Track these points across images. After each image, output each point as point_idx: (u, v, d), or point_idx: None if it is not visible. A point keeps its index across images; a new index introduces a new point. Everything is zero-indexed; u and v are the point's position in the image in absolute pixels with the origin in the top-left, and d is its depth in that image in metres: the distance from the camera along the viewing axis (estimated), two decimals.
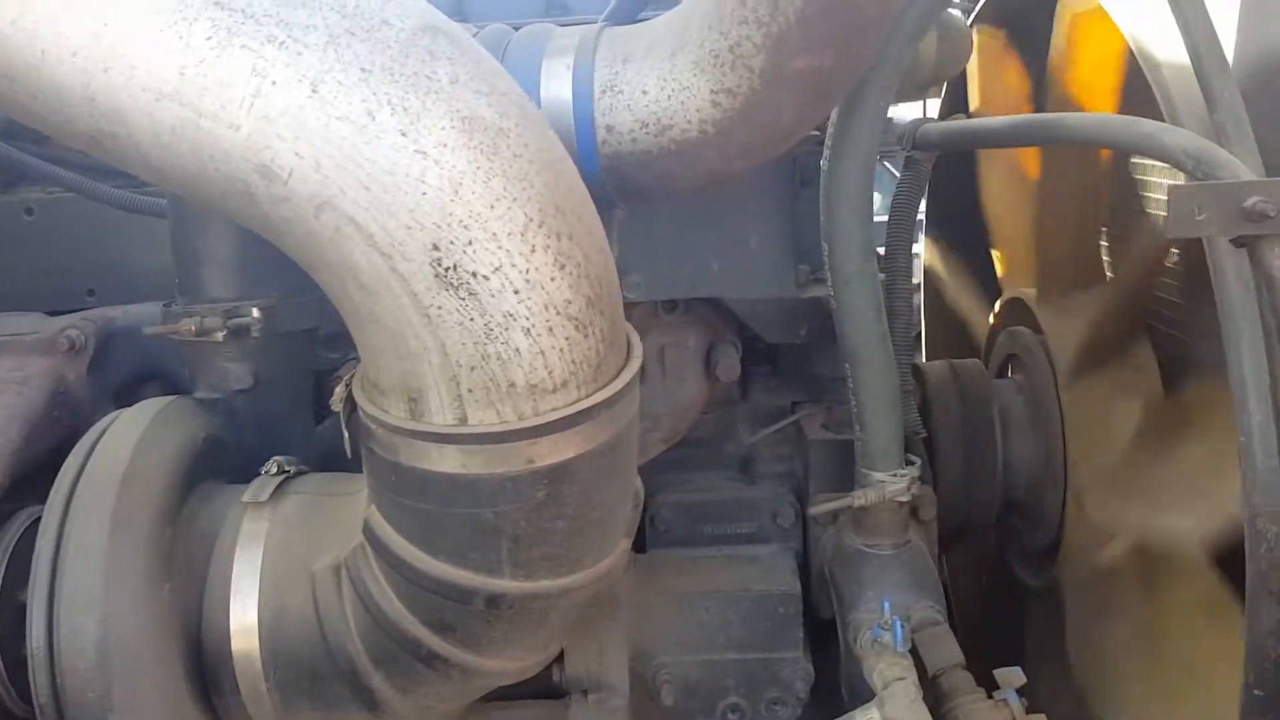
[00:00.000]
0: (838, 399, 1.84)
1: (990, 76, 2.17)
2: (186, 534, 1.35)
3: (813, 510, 1.71)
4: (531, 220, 1.08)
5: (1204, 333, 1.57)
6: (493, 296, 1.08)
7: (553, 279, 1.10)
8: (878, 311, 1.56)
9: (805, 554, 1.86)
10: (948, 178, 2.33)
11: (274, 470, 1.41)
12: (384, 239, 1.05)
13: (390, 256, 1.06)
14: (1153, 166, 1.75)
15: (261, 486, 1.38)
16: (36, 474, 1.49)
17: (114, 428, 1.36)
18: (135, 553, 1.26)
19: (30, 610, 1.24)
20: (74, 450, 1.34)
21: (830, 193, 1.49)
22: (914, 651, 1.56)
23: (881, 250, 1.69)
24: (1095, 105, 1.74)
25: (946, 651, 1.55)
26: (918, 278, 2.67)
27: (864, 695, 1.69)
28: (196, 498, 1.40)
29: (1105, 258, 1.91)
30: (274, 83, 1.02)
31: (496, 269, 1.07)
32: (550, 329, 1.11)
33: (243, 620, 1.32)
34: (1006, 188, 2.18)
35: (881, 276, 1.76)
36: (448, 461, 1.15)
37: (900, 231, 1.77)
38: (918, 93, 1.74)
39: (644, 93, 1.32)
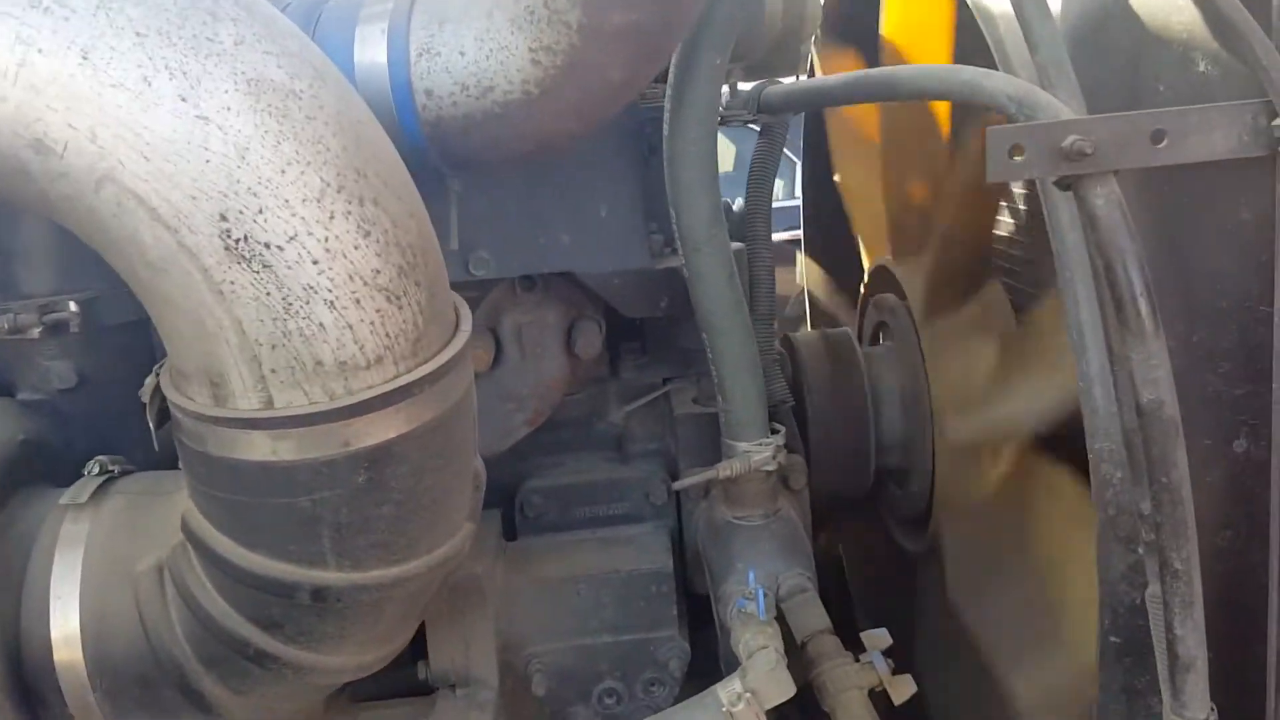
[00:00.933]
0: (706, 372, 1.81)
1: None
2: (2, 541, 1.27)
3: (677, 485, 1.68)
4: (329, 185, 1.03)
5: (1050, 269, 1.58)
6: (289, 268, 1.02)
7: (356, 247, 1.05)
8: (730, 278, 1.53)
9: (680, 531, 1.82)
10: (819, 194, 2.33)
11: (95, 470, 1.33)
12: (168, 211, 0.99)
13: (176, 230, 1.00)
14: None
15: (81, 488, 1.31)
16: None
17: None
18: None
19: None
20: None
21: (673, 156, 1.46)
22: (783, 620, 1.54)
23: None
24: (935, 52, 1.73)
25: (813, 617, 1.53)
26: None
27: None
28: (14, 503, 1.32)
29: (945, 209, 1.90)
30: (40, 50, 0.95)
31: (291, 238, 1.01)
32: (357, 301, 1.05)
33: (64, 628, 1.24)
34: (857, 164, 2.18)
35: (741, 245, 1.74)
36: (257, 449, 1.09)
37: (759, 198, 1.74)
38: (768, 67, 1.70)
39: (461, 54, 1.27)
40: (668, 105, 1.44)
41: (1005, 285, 1.77)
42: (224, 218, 1.00)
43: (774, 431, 1.63)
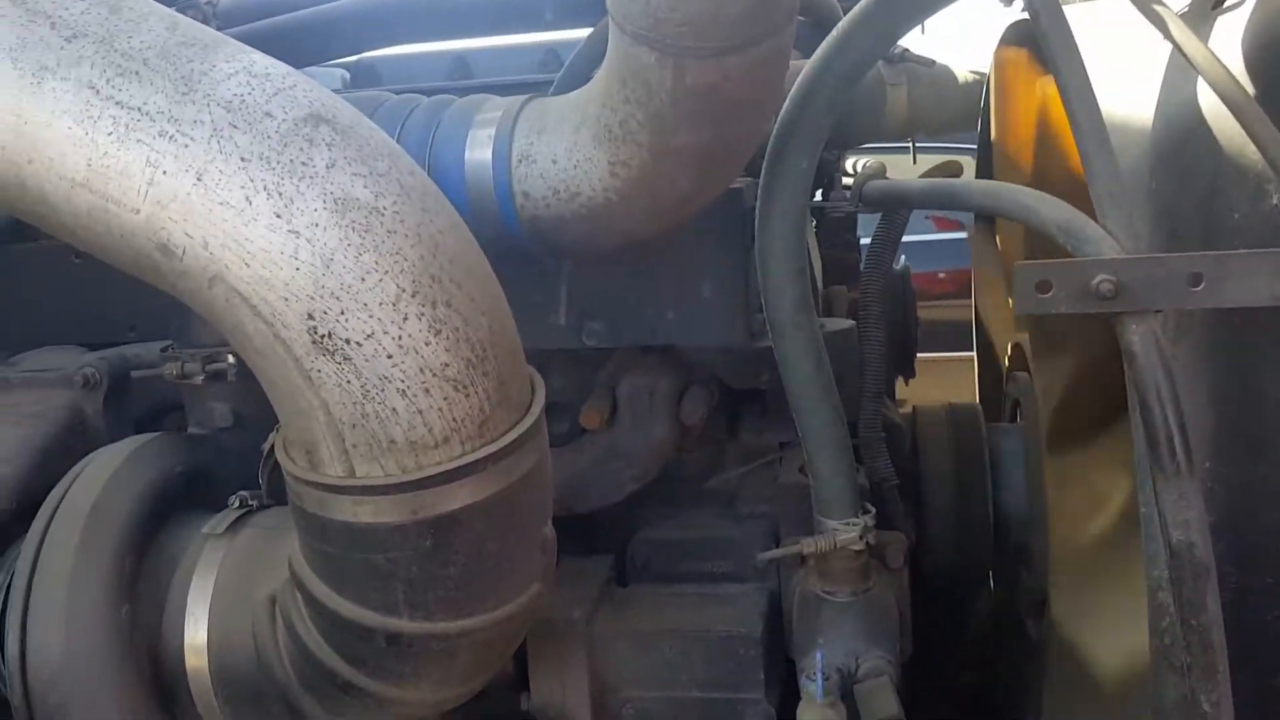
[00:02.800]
0: None
1: (1008, 100, 2.12)
2: (155, 560, 1.50)
3: (764, 556, 1.75)
4: (404, 291, 1.18)
5: None
6: (367, 361, 1.17)
7: (427, 344, 1.19)
8: (818, 362, 1.59)
9: (782, 595, 1.89)
10: None
11: (236, 504, 1.54)
12: (266, 309, 1.16)
13: (273, 325, 1.17)
14: None
15: (221, 519, 1.52)
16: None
17: (92, 465, 1.52)
18: (97, 577, 1.42)
19: (6, 626, 1.41)
20: (58, 484, 1.51)
21: (761, 251, 1.53)
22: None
23: None
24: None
25: (883, 703, 1.56)
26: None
27: None
28: (173, 526, 1.55)
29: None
30: (164, 172, 1.14)
31: (369, 336, 1.17)
32: (426, 390, 1.20)
33: (194, 640, 1.46)
34: (1006, 224, 2.15)
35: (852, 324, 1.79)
36: (342, 510, 1.25)
37: (873, 280, 1.79)
38: (896, 137, 1.75)
39: (554, 162, 1.40)
40: (758, 204, 1.52)
41: None
42: (311, 316, 1.16)
43: (865, 511, 1.67)
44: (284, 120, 1.18)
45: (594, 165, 1.36)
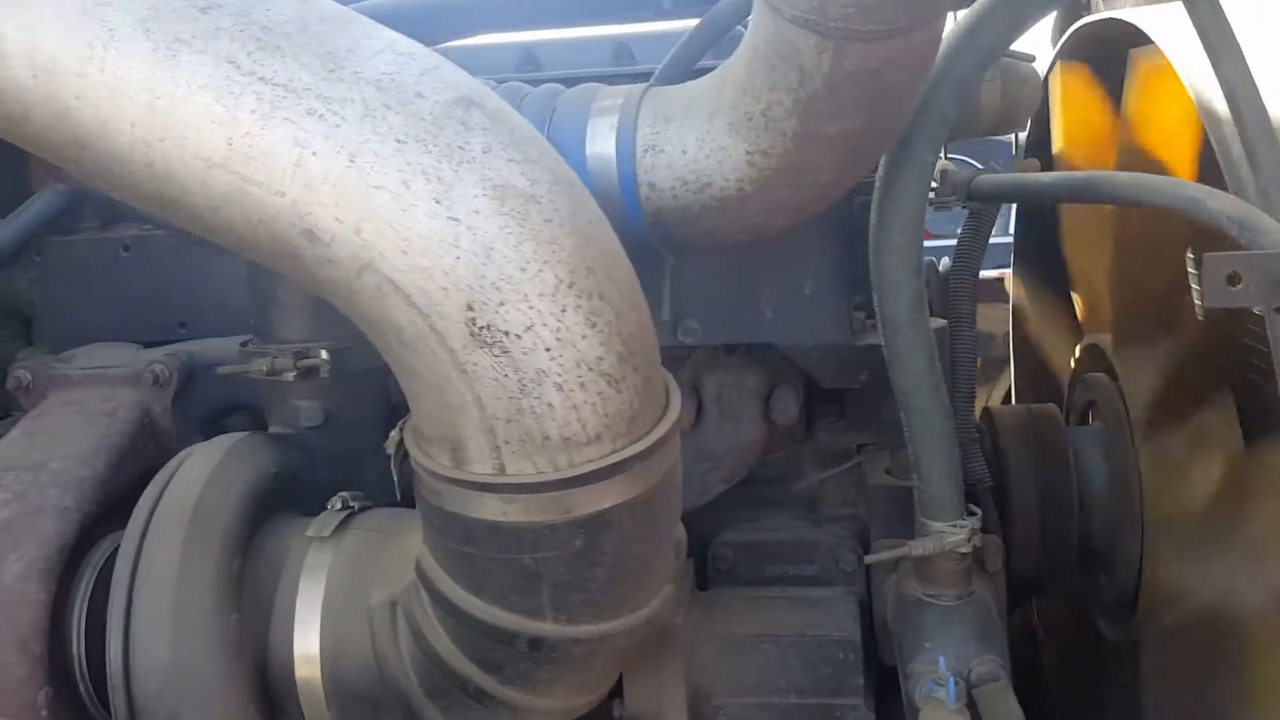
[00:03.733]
0: (901, 444, 1.83)
1: (1074, 114, 2.13)
2: (255, 564, 1.43)
3: (869, 559, 1.71)
4: (562, 281, 1.13)
5: None
6: (525, 354, 1.12)
7: (584, 337, 1.14)
8: (930, 361, 1.56)
9: (869, 599, 1.85)
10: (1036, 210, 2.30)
11: (338, 506, 1.48)
12: (422, 299, 1.11)
13: (428, 316, 1.11)
14: None
15: (325, 521, 1.45)
16: (122, 502, 1.58)
17: (188, 463, 1.45)
18: (204, 582, 1.35)
19: (108, 633, 1.34)
20: (151, 483, 1.44)
21: (878, 245, 1.50)
22: (973, 707, 1.55)
23: None
24: (1174, 164, 1.71)
25: (1005, 709, 1.53)
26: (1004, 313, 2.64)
27: None
28: (267, 529, 1.48)
29: (1185, 304, 1.86)
30: (315, 153, 1.08)
31: (528, 328, 1.12)
32: (582, 384, 1.15)
33: (305, 649, 1.39)
34: (1083, 230, 2.15)
35: (944, 323, 1.76)
36: (489, 509, 1.20)
37: (964, 279, 1.76)
38: (982, 133, 1.73)
39: (684, 152, 1.36)
40: (876, 197, 1.49)
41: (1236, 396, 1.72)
42: (470, 308, 1.10)
43: (971, 513, 1.64)
44: (436, 102, 1.13)
45: (728, 155, 1.32)
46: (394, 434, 1.35)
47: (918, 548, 1.63)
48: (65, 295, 2.03)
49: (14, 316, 2.12)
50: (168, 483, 1.43)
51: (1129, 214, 1.91)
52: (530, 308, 1.12)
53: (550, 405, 1.14)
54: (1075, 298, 2.24)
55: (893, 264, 1.50)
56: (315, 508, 1.53)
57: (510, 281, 1.11)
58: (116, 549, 1.53)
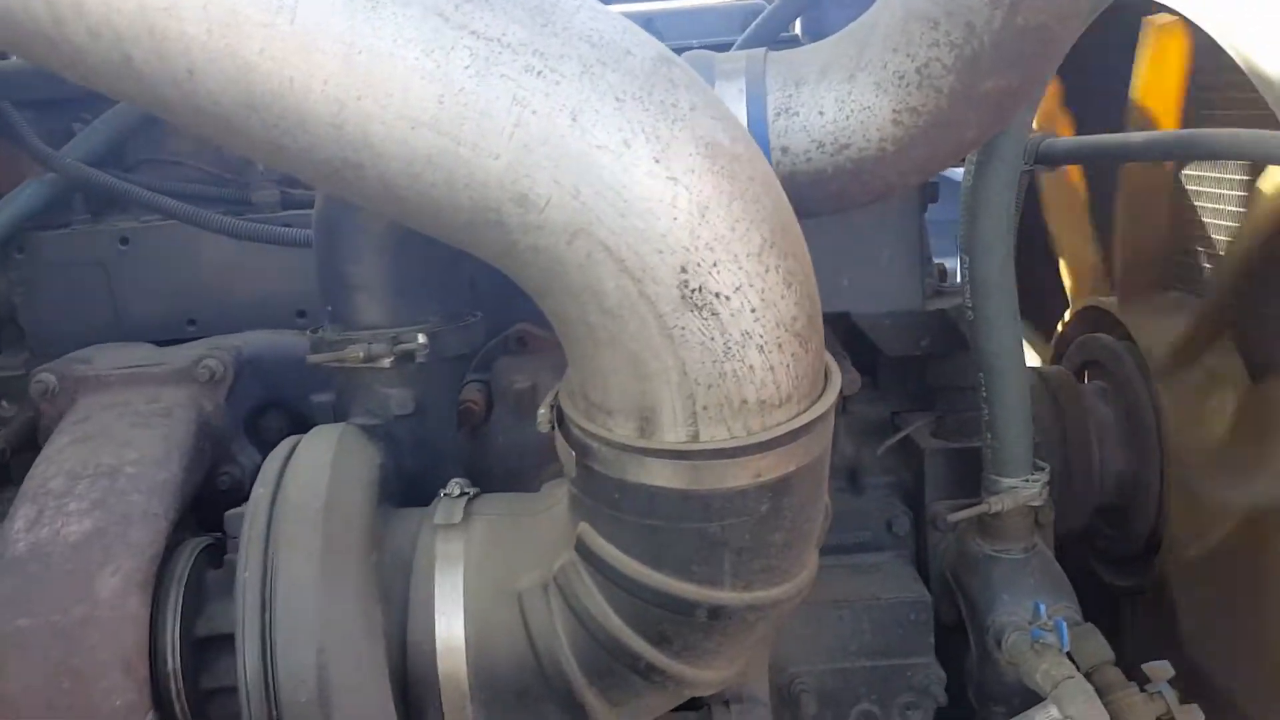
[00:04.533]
0: (950, 409, 1.89)
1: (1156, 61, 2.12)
2: (382, 559, 1.35)
3: (954, 517, 1.75)
4: (765, 241, 1.11)
5: None
6: (733, 316, 1.10)
7: (782, 297, 1.13)
8: (1015, 322, 1.61)
9: (920, 561, 1.90)
10: None
11: (456, 493, 1.41)
12: (635, 263, 1.07)
13: (640, 280, 1.08)
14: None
15: (451, 509, 1.38)
16: (192, 506, 1.48)
17: (300, 457, 1.35)
18: (348, 583, 1.26)
19: (241, 644, 1.23)
20: (259, 481, 1.34)
21: (974, 206, 1.54)
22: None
23: None
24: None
25: (1096, 648, 1.60)
26: None
27: (996, 697, 1.75)
28: (388, 520, 1.40)
29: (1189, 259, 1.99)
30: (534, 112, 1.03)
31: (737, 289, 1.10)
32: (780, 346, 1.14)
33: (449, 642, 1.31)
34: (1067, 202, 2.26)
35: None
36: (679, 477, 1.17)
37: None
38: None
39: (820, 114, 1.36)
40: (974, 157, 1.53)
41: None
42: (684, 270, 1.08)
43: (1038, 468, 1.71)
44: (644, 59, 1.09)
45: (872, 115, 1.33)
46: (543, 411, 1.30)
47: (996, 504, 1.68)
48: (54, 295, 1.86)
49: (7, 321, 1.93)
50: (279, 480, 1.33)
51: (1130, 181, 2.03)
52: (740, 268, 1.10)
53: (751, 368, 1.13)
54: (1063, 267, 2.36)
55: (988, 226, 1.55)
56: (400, 499, 1.46)
57: (722, 242, 1.09)
58: (198, 555, 1.42)
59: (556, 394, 1.30)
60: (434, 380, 1.54)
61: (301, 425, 1.76)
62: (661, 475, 1.17)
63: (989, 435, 1.69)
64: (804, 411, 1.19)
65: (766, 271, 1.11)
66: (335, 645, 1.23)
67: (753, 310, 1.11)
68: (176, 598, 1.36)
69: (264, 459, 1.61)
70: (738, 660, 1.38)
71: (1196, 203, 2.03)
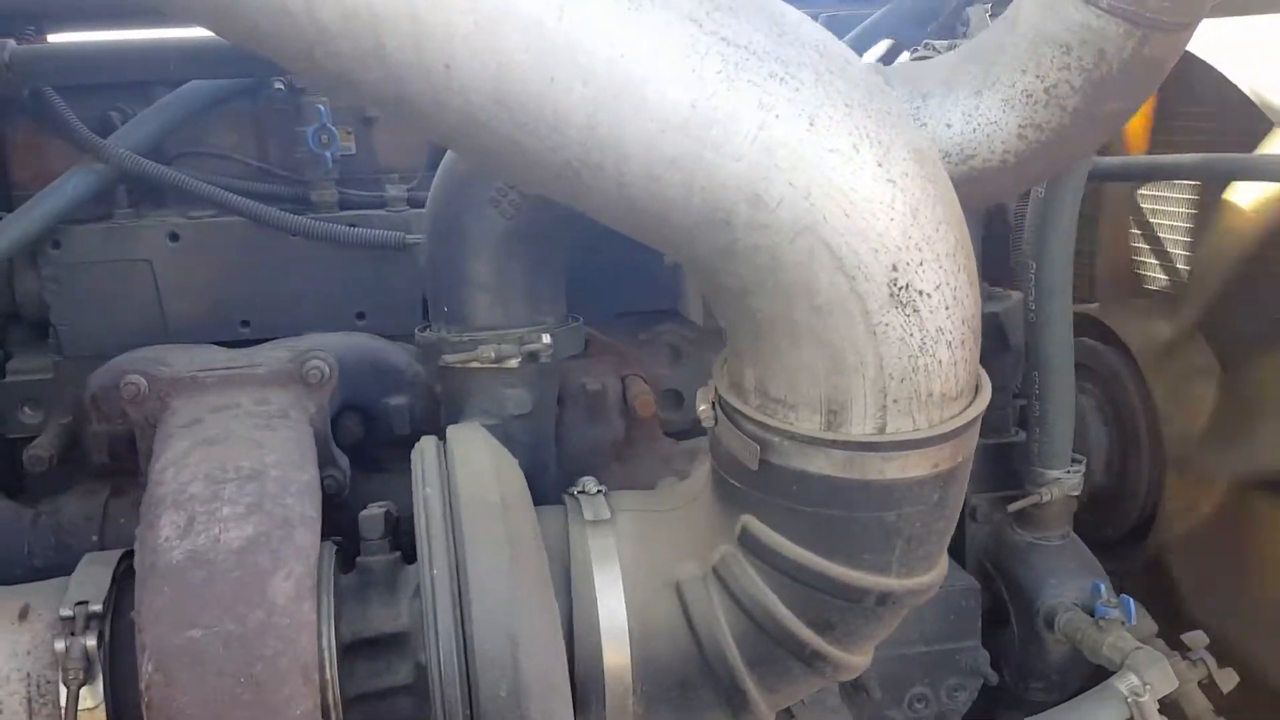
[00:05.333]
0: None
1: None
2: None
3: (1012, 508, 1.87)
4: (957, 241, 1.19)
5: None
6: (931, 312, 1.18)
7: (967, 295, 1.21)
8: (1070, 326, 1.75)
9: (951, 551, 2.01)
10: None
11: (593, 490, 1.43)
12: (852, 261, 1.13)
13: (853, 277, 1.14)
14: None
15: (597, 505, 1.41)
16: None
17: (461, 457, 1.35)
18: (534, 580, 1.27)
19: (433, 641, 1.22)
20: (420, 480, 1.33)
21: (1046, 217, 1.67)
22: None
23: None
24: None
25: (1142, 623, 1.75)
26: None
27: (1036, 674, 1.89)
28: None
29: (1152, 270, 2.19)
30: (778, 116, 1.08)
31: (937, 287, 1.17)
32: (963, 341, 1.22)
33: (613, 634, 1.34)
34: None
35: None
36: (865, 468, 1.23)
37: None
38: None
39: (948, 126, 1.45)
40: None
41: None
42: (895, 268, 1.15)
43: (1076, 460, 1.85)
44: (859, 67, 1.16)
45: (998, 129, 1.43)
46: (705, 408, 1.34)
47: (1046, 494, 1.81)
48: (93, 293, 1.77)
49: (12, 320, 1.82)
50: (443, 479, 1.32)
51: (1112, 201, 2.22)
52: (940, 267, 1.18)
53: (940, 362, 1.20)
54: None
55: (1056, 237, 1.67)
56: None
57: (929, 242, 1.16)
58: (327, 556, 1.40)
59: (715, 390, 1.34)
60: (546, 381, 1.56)
61: (375, 428, 1.75)
62: (847, 466, 1.23)
63: (1038, 430, 1.81)
64: (971, 404, 1.27)
65: (958, 270, 1.19)
66: (528, 639, 1.24)
67: (946, 308, 1.19)
68: (328, 603, 1.34)
69: (347, 463, 1.60)
70: (875, 646, 1.45)
71: (1153, 220, 2.24)
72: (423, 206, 1.86)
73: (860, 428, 1.22)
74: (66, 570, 1.63)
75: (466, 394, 1.54)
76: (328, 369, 1.55)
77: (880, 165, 1.13)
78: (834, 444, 1.23)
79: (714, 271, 1.20)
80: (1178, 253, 2.21)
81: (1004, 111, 1.43)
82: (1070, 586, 1.82)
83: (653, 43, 1.06)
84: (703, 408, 1.35)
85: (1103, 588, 1.75)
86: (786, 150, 1.09)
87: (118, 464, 1.68)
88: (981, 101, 1.44)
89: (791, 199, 1.10)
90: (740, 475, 1.32)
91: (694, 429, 2.01)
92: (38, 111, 1.74)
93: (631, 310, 1.92)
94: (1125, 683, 1.58)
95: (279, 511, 1.29)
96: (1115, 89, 1.37)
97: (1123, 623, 1.68)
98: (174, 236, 1.78)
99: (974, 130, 1.44)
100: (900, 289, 1.15)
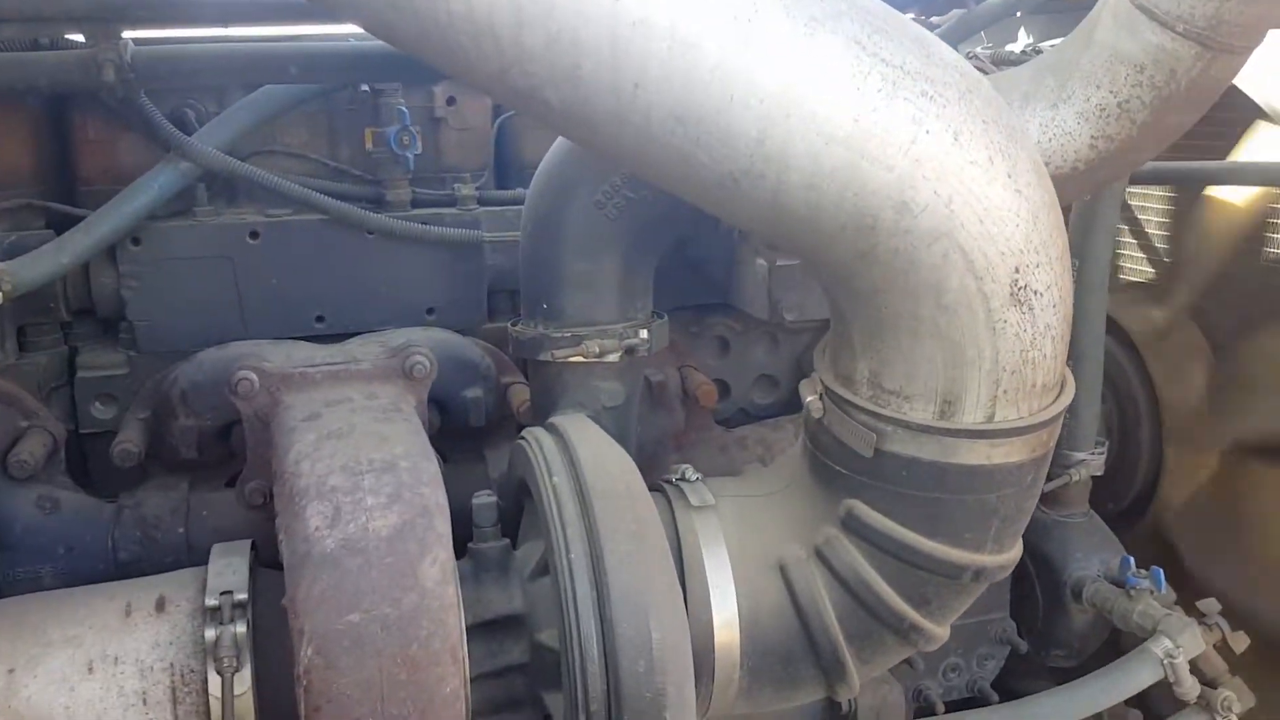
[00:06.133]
0: None
1: None
2: None
3: (1047, 488, 1.99)
4: (1064, 245, 1.31)
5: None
6: (1043, 310, 1.29)
7: (1068, 294, 1.33)
8: (1104, 318, 1.89)
9: None
10: None
11: (692, 476, 1.51)
12: (982, 263, 1.23)
13: (981, 278, 1.24)
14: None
15: (700, 491, 1.49)
16: None
17: (581, 447, 1.41)
18: (663, 560, 1.34)
19: (572, 620, 1.29)
20: (544, 469, 1.39)
21: (1091, 218, 1.80)
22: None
23: None
24: None
25: (1167, 593, 1.89)
26: None
27: (1059, 642, 2.03)
28: None
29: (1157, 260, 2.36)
30: (928, 131, 1.18)
31: (1049, 286, 1.28)
32: (1061, 337, 1.33)
33: (725, 614, 1.42)
34: None
35: None
36: (975, 454, 1.34)
37: None
38: None
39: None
40: None
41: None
42: (1017, 270, 1.25)
43: (1100, 441, 1.99)
44: (987, 85, 1.26)
45: (1072, 140, 1.54)
46: (813, 399, 1.43)
47: (1075, 474, 1.95)
48: (174, 289, 1.77)
49: (81, 316, 1.81)
50: (570, 468, 1.39)
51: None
52: (1052, 269, 1.29)
53: (1045, 355, 1.32)
54: None
55: (1099, 237, 1.81)
56: None
57: (1045, 246, 1.27)
58: None
59: (821, 383, 1.44)
60: (634, 374, 1.63)
61: (450, 420, 1.80)
62: (959, 453, 1.34)
63: (1068, 415, 1.94)
64: (1061, 395, 1.39)
65: (1065, 272, 1.31)
66: (660, 617, 1.31)
67: (1054, 305, 1.30)
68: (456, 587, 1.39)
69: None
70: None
71: (1140, 216, 2.41)
72: (491, 205, 1.93)
73: (971, 416, 1.33)
74: (151, 563, 1.68)
75: (563, 387, 1.60)
76: (429, 364, 1.60)
77: (1010, 176, 1.23)
78: (947, 432, 1.33)
79: (848, 273, 1.29)
80: (1160, 247, 2.37)
81: (1078, 123, 1.54)
82: (1094, 560, 1.96)
83: (822, 64, 1.14)
84: (810, 398, 1.44)
85: (1132, 561, 1.90)
86: (934, 162, 1.19)
87: (202, 458, 1.70)
88: (1058, 114, 1.55)
89: (934, 206, 1.20)
90: (847, 462, 1.42)
91: (736, 417, 2.11)
92: (118, 108, 1.74)
93: (683, 305, 1.99)
94: (1160, 646, 1.73)
95: (417, 500, 1.34)
96: (1180, 105, 1.50)
97: (1151, 592, 1.83)
98: (254, 234, 1.80)
99: (1050, 140, 1.55)
100: (1020, 289, 1.26)
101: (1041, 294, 1.28)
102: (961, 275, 1.24)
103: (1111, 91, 1.50)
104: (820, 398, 1.43)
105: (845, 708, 1.82)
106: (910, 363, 1.33)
